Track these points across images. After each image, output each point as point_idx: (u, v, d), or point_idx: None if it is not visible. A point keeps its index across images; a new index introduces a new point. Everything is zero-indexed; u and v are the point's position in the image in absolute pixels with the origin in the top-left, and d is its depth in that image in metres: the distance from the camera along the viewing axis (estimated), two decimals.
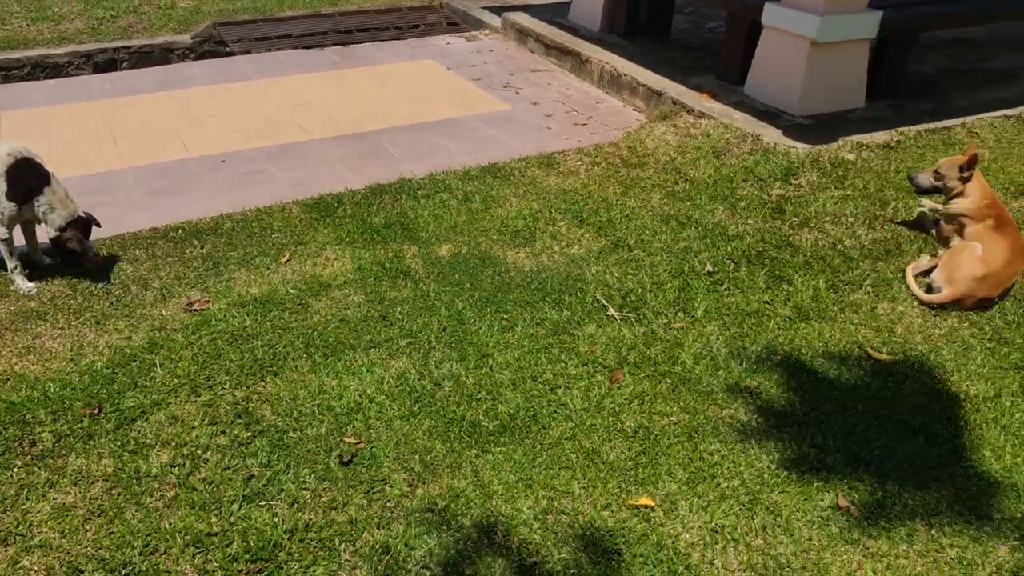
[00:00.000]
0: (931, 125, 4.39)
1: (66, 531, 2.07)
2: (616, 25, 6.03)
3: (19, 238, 3.21)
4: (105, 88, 5.45)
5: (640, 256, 3.35)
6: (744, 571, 1.98)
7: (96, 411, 2.46)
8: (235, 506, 2.14)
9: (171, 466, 2.28)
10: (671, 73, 5.21)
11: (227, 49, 6.52)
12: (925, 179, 3.12)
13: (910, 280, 3.03)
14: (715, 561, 2.01)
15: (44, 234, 3.18)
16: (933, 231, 3.32)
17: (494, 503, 2.16)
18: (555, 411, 2.50)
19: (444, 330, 2.88)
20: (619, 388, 2.60)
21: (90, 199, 3.68)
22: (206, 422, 2.44)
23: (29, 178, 3.02)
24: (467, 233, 3.54)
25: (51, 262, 3.28)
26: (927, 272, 3.05)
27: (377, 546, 2.03)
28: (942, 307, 2.91)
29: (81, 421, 2.43)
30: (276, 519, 2.11)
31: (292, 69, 5.85)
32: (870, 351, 2.73)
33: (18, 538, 2.05)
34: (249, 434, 2.39)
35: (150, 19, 6.87)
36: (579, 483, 2.23)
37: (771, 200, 3.72)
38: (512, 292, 3.10)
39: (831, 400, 2.53)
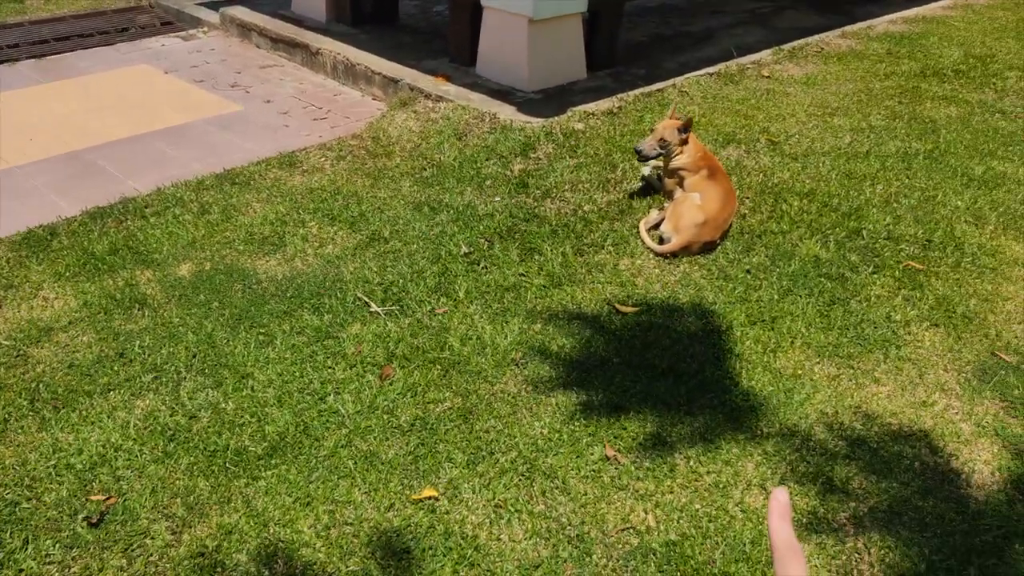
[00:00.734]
0: (647, 89, 4.75)
1: None
2: (343, 14, 5.91)
3: None
4: None
5: (397, 247, 3.32)
6: (530, 539, 2.03)
7: None
8: None
9: None
10: (405, 59, 5.20)
11: None
12: (651, 148, 3.34)
13: (643, 235, 3.26)
14: (502, 536, 2.04)
15: None
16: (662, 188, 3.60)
17: (271, 530, 2.05)
18: (327, 420, 2.41)
19: (194, 357, 2.67)
20: (391, 384, 2.56)
21: None
22: None
23: None
24: (208, 248, 3.31)
25: None
26: (657, 225, 3.29)
27: None
28: (673, 255, 3.16)
29: None
30: None
31: None
32: (618, 306, 2.91)
33: None
34: None
35: None
36: (360, 489, 2.17)
37: (514, 175, 3.83)
38: (267, 304, 2.94)
39: (591, 358, 2.66)
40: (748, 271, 3.09)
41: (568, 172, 3.81)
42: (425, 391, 2.53)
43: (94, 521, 2.06)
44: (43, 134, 4.47)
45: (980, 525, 2.08)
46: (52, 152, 4.25)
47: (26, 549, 1.99)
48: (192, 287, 3.04)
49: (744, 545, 2.00)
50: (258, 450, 2.30)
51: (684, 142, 3.34)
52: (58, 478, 2.19)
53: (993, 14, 6.45)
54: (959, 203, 3.54)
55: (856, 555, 1.98)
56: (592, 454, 2.28)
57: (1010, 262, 3.16)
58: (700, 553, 1.99)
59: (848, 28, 6.00)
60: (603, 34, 5.05)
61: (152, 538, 2.03)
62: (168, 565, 1.96)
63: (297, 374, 2.60)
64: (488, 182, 3.79)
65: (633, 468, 2.24)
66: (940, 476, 2.23)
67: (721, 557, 1.98)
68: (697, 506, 2.12)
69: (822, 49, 5.55)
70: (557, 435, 2.35)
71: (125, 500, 2.14)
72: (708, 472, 2.23)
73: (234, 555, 1.98)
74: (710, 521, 2.08)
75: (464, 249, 3.26)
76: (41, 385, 2.53)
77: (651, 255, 3.20)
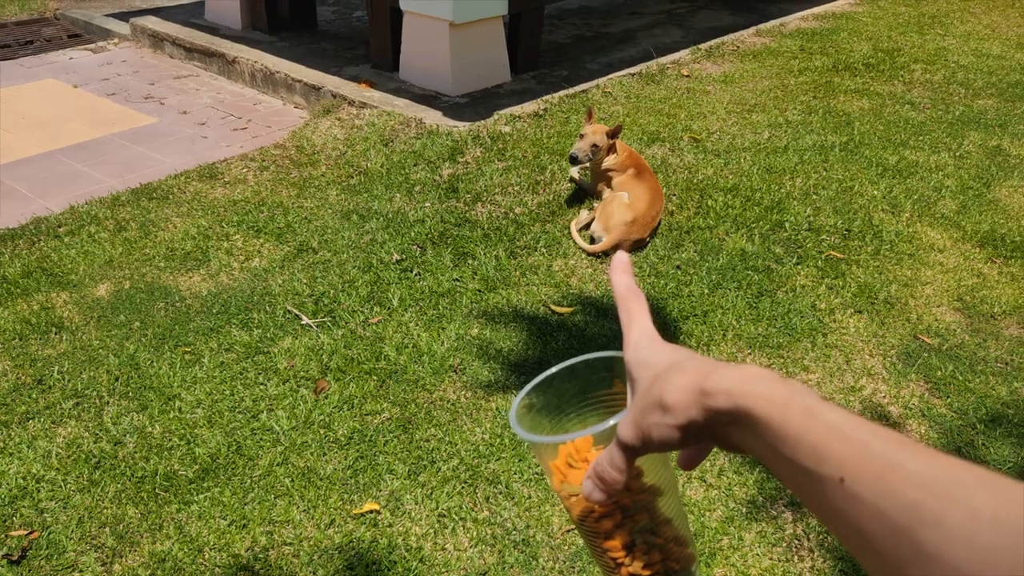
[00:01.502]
0: (571, 90, 4.78)
1: None
2: (259, 21, 5.78)
3: None
4: None
5: (326, 257, 3.26)
6: (475, 546, 2.01)
7: None
8: None
9: None
10: (326, 66, 5.12)
11: None
12: (583, 153, 3.36)
13: (575, 235, 3.28)
14: (447, 546, 2.01)
15: None
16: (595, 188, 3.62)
17: (207, 556, 1.97)
18: (261, 438, 2.34)
19: (117, 380, 2.56)
20: (326, 397, 2.50)
21: None
22: None
23: None
24: (127, 266, 3.18)
25: None
26: (588, 225, 3.32)
27: None
28: (605, 254, 3.18)
29: None
30: None
31: None
32: (553, 307, 2.91)
33: None
34: None
35: None
36: (298, 508, 2.11)
37: (444, 181, 3.81)
38: (192, 321, 2.85)
39: (529, 360, 2.65)
40: (678, 267, 3.13)
41: (497, 175, 3.80)
42: (362, 403, 2.48)
43: (15, 558, 1.95)
44: None
45: None
46: None
47: None
48: (111, 308, 2.92)
49: None
50: (189, 473, 2.21)
51: (612, 147, 3.38)
52: None
53: (896, 9, 6.73)
54: (875, 193, 3.67)
55: (796, 541, 2.03)
56: (534, 458, 2.27)
57: (926, 247, 3.29)
58: None
59: (762, 26, 6.17)
60: (525, 36, 5.07)
61: (80, 571, 1.93)
62: None
63: (227, 392, 2.51)
64: (417, 188, 3.76)
65: None
66: None
67: None
68: None
69: (738, 48, 5.69)
70: (499, 440, 2.34)
71: (50, 533, 2.03)
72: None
73: None
74: None
75: (396, 257, 3.21)
76: None
77: (583, 255, 3.22)
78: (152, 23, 6.01)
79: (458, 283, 3.06)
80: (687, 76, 5.12)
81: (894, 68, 5.29)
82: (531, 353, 2.68)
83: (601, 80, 4.98)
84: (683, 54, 5.51)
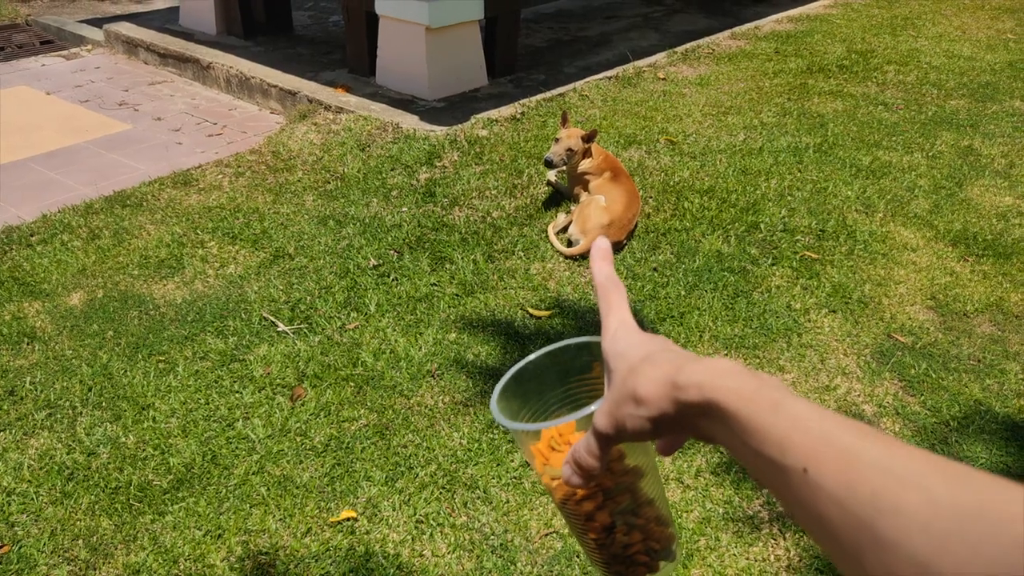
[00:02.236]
0: (548, 94, 4.79)
1: None
2: (233, 26, 5.74)
3: None
4: None
5: (303, 263, 3.24)
6: (453, 552, 2.01)
7: None
8: None
9: None
10: (302, 71, 5.10)
11: None
12: (559, 157, 3.37)
13: (552, 238, 3.28)
14: (425, 552, 2.01)
15: None
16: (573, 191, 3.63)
17: (182, 566, 1.95)
18: (237, 447, 2.32)
19: (90, 390, 2.53)
20: (302, 405, 2.49)
21: None
22: None
23: None
24: (100, 275, 3.15)
25: None
26: (565, 228, 3.32)
27: None
28: (583, 257, 3.19)
29: None
30: None
31: None
32: (531, 310, 2.91)
33: None
34: None
35: None
36: (274, 517, 2.10)
37: (421, 185, 3.80)
38: (166, 330, 2.82)
39: (507, 364, 2.65)
40: (655, 269, 3.14)
41: (475, 179, 3.80)
42: (339, 410, 2.47)
43: None
44: None
45: None
46: None
47: None
48: (84, 317, 2.89)
49: None
50: (163, 484, 2.19)
51: (588, 151, 3.39)
52: None
53: (870, 12, 6.80)
54: (849, 193, 3.70)
55: (772, 540, 2.04)
56: (512, 461, 2.27)
57: (900, 247, 3.32)
58: None
59: (737, 29, 6.22)
60: (502, 40, 5.07)
61: None
62: None
63: (202, 401, 2.49)
64: (394, 193, 3.75)
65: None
66: None
67: None
68: None
69: (713, 50, 5.73)
70: (476, 445, 2.33)
71: (21, 547, 2.00)
72: None
73: None
74: None
75: (373, 262, 3.20)
76: None
77: (561, 258, 3.23)
78: (126, 29, 5.95)
79: (436, 288, 3.06)
80: (663, 79, 5.15)
81: (867, 70, 5.35)
82: (509, 357, 2.68)
83: (578, 83, 4.99)
84: (659, 57, 5.54)
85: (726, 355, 2.70)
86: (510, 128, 4.33)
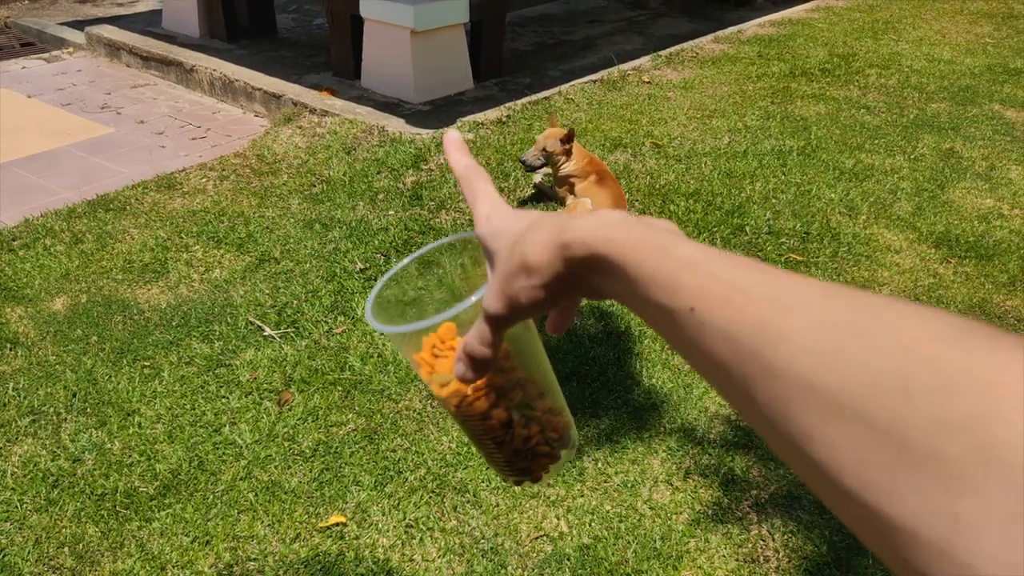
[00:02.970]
0: (533, 97, 4.80)
1: None
2: (217, 29, 5.71)
3: None
4: None
5: (289, 267, 3.22)
6: (443, 556, 2.00)
7: None
8: None
9: None
10: (286, 74, 5.08)
11: None
12: (534, 158, 3.37)
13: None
14: (415, 556, 2.00)
15: None
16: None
17: (169, 574, 1.94)
18: (224, 452, 2.31)
19: (74, 396, 2.50)
20: (290, 409, 2.47)
21: None
22: None
23: None
24: (84, 280, 3.12)
25: None
26: None
27: None
28: None
29: None
30: None
31: None
32: None
33: None
34: None
35: None
36: (262, 522, 2.08)
37: (407, 188, 3.79)
38: (151, 335, 2.80)
39: None
40: None
41: None
42: (327, 414, 2.46)
43: None
44: None
45: None
46: None
47: None
48: (68, 322, 2.86)
49: (655, 542, 2.04)
50: (150, 490, 2.17)
51: (568, 152, 3.39)
52: None
53: (852, 16, 6.86)
54: (833, 196, 3.73)
55: (761, 541, 2.05)
56: None
57: (883, 249, 3.35)
58: (613, 554, 2.01)
59: (720, 33, 6.26)
60: (487, 44, 5.08)
61: None
62: None
63: (188, 407, 2.47)
64: (380, 196, 3.74)
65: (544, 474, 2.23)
66: None
67: (633, 556, 2.00)
68: (607, 507, 2.14)
69: (697, 54, 5.76)
70: (466, 448, 2.33)
71: (5, 555, 1.98)
72: (616, 472, 2.26)
73: None
74: (620, 521, 2.10)
75: (359, 265, 3.19)
76: None
77: None
78: (108, 32, 5.91)
79: (423, 292, 3.04)
80: (648, 83, 5.17)
81: (849, 73, 5.40)
82: None
83: (563, 87, 5.00)
84: (644, 61, 5.56)
85: None
86: (496, 131, 4.33)
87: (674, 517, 2.11)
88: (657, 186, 3.77)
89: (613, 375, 2.62)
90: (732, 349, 0.35)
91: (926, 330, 0.30)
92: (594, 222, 0.44)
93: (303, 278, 3.13)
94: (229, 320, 2.88)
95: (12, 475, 2.21)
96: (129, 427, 2.38)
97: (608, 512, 2.12)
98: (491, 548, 2.02)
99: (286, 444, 2.34)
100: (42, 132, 4.61)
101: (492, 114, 4.52)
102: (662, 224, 0.45)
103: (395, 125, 4.36)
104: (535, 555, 2.01)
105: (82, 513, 2.11)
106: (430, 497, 2.17)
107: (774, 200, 3.69)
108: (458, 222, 3.49)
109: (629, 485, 2.21)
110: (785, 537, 2.06)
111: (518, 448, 0.60)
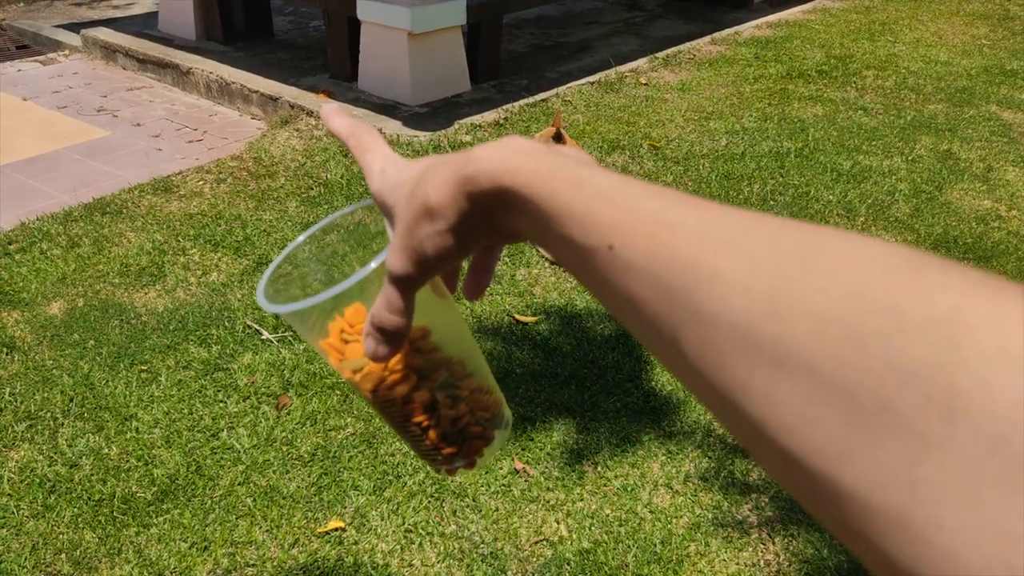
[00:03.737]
0: (531, 99, 4.80)
1: None
2: (213, 31, 5.70)
3: None
4: None
5: (287, 270, 3.19)
6: (443, 561, 1.99)
7: None
8: None
9: None
10: (283, 76, 5.07)
11: None
12: None
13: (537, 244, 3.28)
14: (414, 561, 1.99)
15: None
16: None
17: None
18: (221, 457, 2.30)
19: (71, 401, 2.49)
20: (288, 414, 2.46)
21: None
22: None
23: None
24: (80, 284, 3.10)
25: None
26: None
27: None
28: None
29: None
30: None
31: None
32: (518, 316, 2.91)
33: None
34: None
35: None
36: (261, 528, 2.07)
37: None
38: (148, 339, 2.78)
39: (493, 370, 2.63)
40: None
41: None
42: (325, 418, 2.45)
43: None
44: None
45: None
46: None
47: None
48: (65, 326, 2.85)
49: (655, 546, 2.03)
50: (147, 495, 2.16)
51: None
52: None
53: (848, 17, 6.87)
54: (831, 197, 3.73)
55: (761, 545, 2.04)
56: (501, 468, 2.26)
57: None
58: (613, 558, 2.00)
59: (717, 35, 6.26)
60: (484, 46, 5.07)
61: None
62: None
63: (186, 411, 2.46)
64: None
65: (543, 479, 2.23)
66: None
67: (634, 560, 2.00)
68: (607, 511, 2.13)
69: (694, 56, 5.76)
70: None
71: (1, 562, 1.96)
72: (616, 476, 2.25)
73: None
74: (620, 525, 2.09)
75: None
76: None
77: (547, 264, 3.22)
78: (104, 34, 5.89)
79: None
80: (645, 84, 5.17)
81: (846, 75, 5.40)
82: (496, 364, 2.67)
83: (561, 89, 5.00)
84: (641, 63, 5.56)
85: None
86: (493, 133, 4.32)
87: (674, 521, 2.10)
88: None
89: (612, 378, 2.61)
90: (657, 291, 0.31)
91: (875, 267, 0.26)
92: (500, 152, 0.39)
93: (301, 281, 3.11)
94: (227, 324, 2.87)
95: (9, 481, 2.20)
96: (126, 432, 2.37)
97: (608, 516, 2.12)
98: (491, 553, 2.01)
99: (284, 449, 2.33)
100: (38, 135, 4.59)
101: (490, 116, 4.52)
102: (577, 154, 0.40)
103: (392, 127, 4.35)
104: (535, 560, 2.00)
105: (79, 519, 2.09)
106: (429, 502, 2.16)
107: (772, 202, 3.68)
108: None
109: (629, 489, 2.21)
110: (786, 541, 2.05)
111: (446, 432, 0.55)
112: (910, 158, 4.17)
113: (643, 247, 0.32)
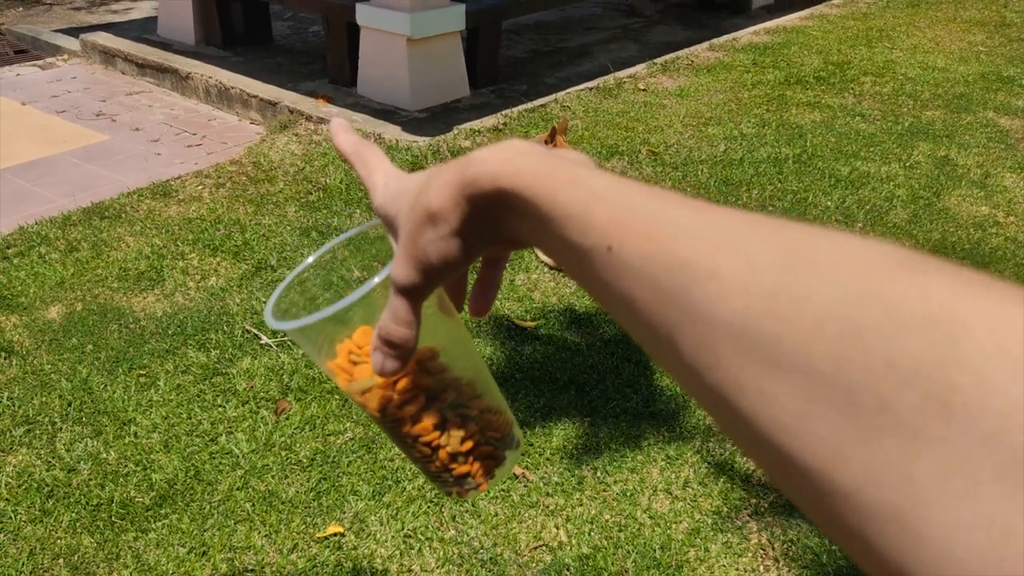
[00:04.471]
0: (530, 104, 4.81)
1: None
2: (213, 36, 5.71)
3: None
4: None
5: (285, 275, 3.20)
6: (442, 566, 1.99)
7: None
8: None
9: None
10: (282, 81, 5.07)
11: None
12: None
13: (537, 249, 3.28)
14: (413, 567, 1.99)
15: None
16: None
17: None
18: (220, 462, 2.29)
19: (70, 405, 2.49)
20: (287, 418, 2.46)
21: None
22: None
23: None
24: (79, 288, 3.10)
25: None
26: None
27: None
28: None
29: None
30: None
31: None
32: (517, 321, 2.91)
33: None
34: None
35: None
36: (259, 533, 2.07)
37: None
38: (147, 343, 2.78)
39: (494, 376, 2.63)
40: None
41: None
42: (324, 423, 2.44)
43: None
44: None
45: None
46: None
47: None
48: (63, 331, 2.84)
49: (655, 551, 2.03)
50: (146, 500, 2.16)
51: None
52: None
53: (845, 24, 6.89)
54: (829, 203, 3.74)
55: (761, 551, 2.04)
56: None
57: None
58: (613, 564, 2.00)
59: (715, 41, 6.28)
60: (483, 51, 5.08)
61: None
62: None
63: (184, 416, 2.46)
64: None
65: (542, 484, 2.23)
66: None
67: (633, 566, 2.00)
68: (607, 516, 2.13)
69: (692, 62, 5.78)
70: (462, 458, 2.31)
71: None
72: (615, 481, 2.25)
73: None
74: (620, 530, 2.09)
75: (357, 274, 3.17)
76: None
77: (546, 268, 3.23)
78: (103, 39, 5.89)
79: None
80: (644, 90, 5.18)
81: (844, 81, 5.41)
82: (496, 369, 2.67)
83: (559, 94, 5.01)
84: (639, 68, 5.57)
85: None
86: (492, 138, 4.33)
87: (673, 526, 2.10)
88: None
89: (611, 383, 2.61)
90: (654, 290, 0.31)
91: (873, 265, 0.26)
92: (500, 154, 0.40)
93: (300, 286, 3.11)
94: (225, 328, 2.86)
95: (6, 485, 2.20)
96: (125, 437, 2.36)
97: (607, 521, 2.12)
98: (490, 558, 2.01)
99: (283, 453, 2.33)
100: (37, 139, 4.59)
101: (489, 121, 4.52)
102: (576, 155, 0.41)
103: (391, 132, 4.35)
104: (534, 565, 2.00)
105: (77, 524, 2.09)
106: (428, 507, 2.16)
107: (771, 208, 3.69)
108: None
109: (628, 494, 2.21)
110: (785, 547, 2.05)
111: (456, 452, 0.55)
112: (908, 164, 4.18)
113: (640, 247, 0.32)
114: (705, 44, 6.19)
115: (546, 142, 3.37)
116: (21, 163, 4.28)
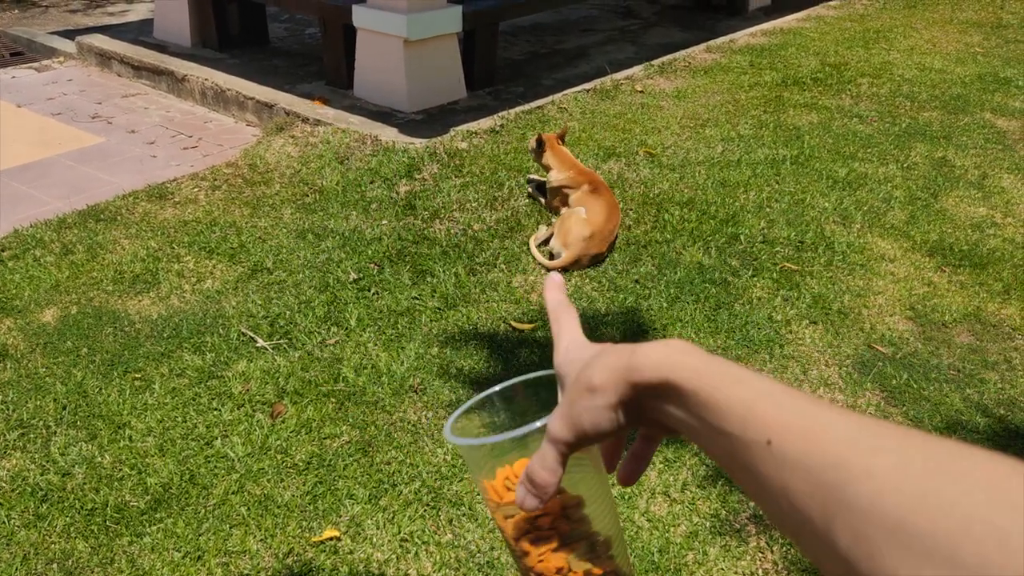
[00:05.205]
0: (527, 106, 4.80)
1: None
2: (209, 38, 5.69)
3: None
4: None
5: (281, 277, 3.20)
6: (439, 570, 1.98)
7: None
8: None
9: None
10: (278, 83, 5.06)
11: None
12: (536, 177, 3.42)
13: (534, 251, 3.28)
14: (410, 571, 1.98)
15: None
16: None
17: None
18: (215, 466, 2.28)
19: (64, 409, 2.47)
20: (283, 422, 2.45)
21: None
22: None
23: None
24: (74, 291, 3.08)
25: None
26: (547, 241, 3.32)
27: None
28: (565, 270, 3.18)
29: None
30: None
31: None
32: (513, 323, 2.90)
33: None
34: None
35: None
36: (255, 537, 2.05)
37: (400, 198, 3.78)
38: (142, 346, 2.77)
39: (490, 378, 2.63)
40: (636, 281, 3.14)
41: (455, 192, 3.79)
42: (320, 426, 2.43)
43: None
44: None
45: None
46: None
47: None
48: (58, 334, 2.83)
49: (653, 554, 2.02)
50: (141, 504, 2.14)
51: (539, 155, 3.46)
52: None
53: (842, 25, 6.90)
54: (826, 204, 3.74)
55: (759, 554, 2.03)
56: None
57: (877, 258, 3.35)
58: None
59: (712, 42, 6.27)
60: (480, 53, 5.07)
61: None
62: None
63: (179, 419, 2.44)
64: (374, 205, 3.72)
65: None
66: None
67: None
68: None
69: (689, 64, 5.77)
70: (461, 461, 2.31)
71: None
72: (612, 484, 2.23)
73: None
74: None
75: (353, 276, 3.17)
76: None
77: (543, 271, 3.22)
78: (99, 41, 5.88)
79: (417, 301, 3.03)
80: (641, 92, 5.18)
81: (841, 82, 5.41)
82: (492, 371, 2.66)
83: (556, 96, 5.00)
84: (636, 70, 5.57)
85: None
86: (489, 140, 4.32)
87: (672, 530, 2.09)
88: (651, 195, 3.76)
89: None
90: (811, 484, 0.35)
91: (1007, 477, 0.31)
92: (665, 349, 0.45)
93: (296, 288, 3.11)
94: (221, 331, 2.85)
95: (0, 490, 2.18)
96: (120, 440, 2.35)
97: None
98: (487, 562, 2.00)
99: (279, 457, 2.31)
100: (32, 142, 4.57)
101: (485, 123, 4.51)
102: (726, 361, 0.46)
103: (388, 134, 4.34)
104: None
105: (72, 528, 2.07)
106: (425, 510, 2.14)
107: (768, 209, 3.68)
108: (452, 231, 3.47)
109: (625, 497, 2.19)
110: (784, 550, 2.04)
111: None
112: (905, 165, 4.18)
113: (799, 444, 0.36)
114: (702, 46, 6.19)
115: (535, 145, 3.36)
116: (16, 165, 4.26)
